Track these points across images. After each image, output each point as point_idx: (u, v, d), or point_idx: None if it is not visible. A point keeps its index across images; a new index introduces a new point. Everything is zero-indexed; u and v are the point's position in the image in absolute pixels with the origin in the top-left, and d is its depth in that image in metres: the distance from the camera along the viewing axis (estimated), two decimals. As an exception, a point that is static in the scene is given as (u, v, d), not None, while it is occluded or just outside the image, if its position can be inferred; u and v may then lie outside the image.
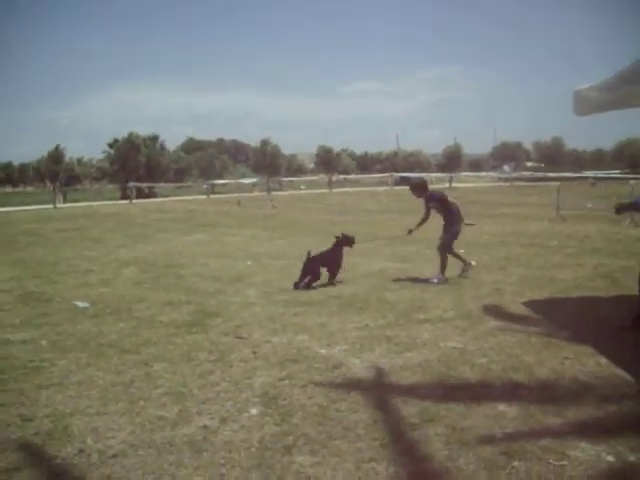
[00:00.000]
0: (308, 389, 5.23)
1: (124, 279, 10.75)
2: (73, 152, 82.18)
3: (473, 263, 10.29)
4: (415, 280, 10.06)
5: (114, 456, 4.09)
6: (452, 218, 10.37)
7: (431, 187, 10.78)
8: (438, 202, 10.34)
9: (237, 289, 9.54)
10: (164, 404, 4.97)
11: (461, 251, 12.85)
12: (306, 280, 9.65)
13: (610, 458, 3.90)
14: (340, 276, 10.08)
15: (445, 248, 10.25)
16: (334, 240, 10.37)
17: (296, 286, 9.60)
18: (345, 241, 10.41)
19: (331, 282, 9.94)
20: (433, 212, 10.36)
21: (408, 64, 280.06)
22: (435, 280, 9.89)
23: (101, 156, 62.80)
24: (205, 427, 4.51)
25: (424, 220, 10.41)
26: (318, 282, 9.73)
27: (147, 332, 7.14)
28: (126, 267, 12.02)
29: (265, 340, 6.73)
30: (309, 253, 9.89)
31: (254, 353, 6.27)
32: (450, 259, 10.23)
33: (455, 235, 10.41)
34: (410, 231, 10.59)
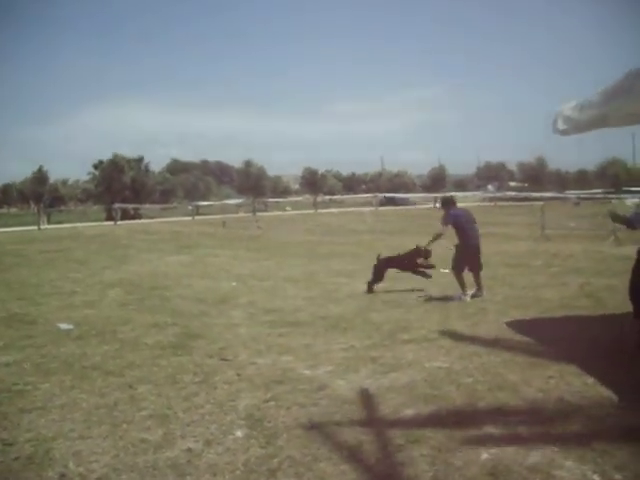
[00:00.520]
0: (293, 411, 5.21)
1: (109, 301, 10.68)
2: (57, 173, 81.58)
3: (467, 299, 10.22)
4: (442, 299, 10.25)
5: (97, 480, 4.04)
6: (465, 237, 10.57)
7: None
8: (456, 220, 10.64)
9: (222, 310, 9.50)
10: (148, 427, 4.93)
11: (446, 270, 12.93)
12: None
13: (596, 477, 3.90)
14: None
15: (455, 268, 10.52)
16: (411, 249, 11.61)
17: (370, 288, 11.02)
18: (420, 253, 11.46)
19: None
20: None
21: (392, 85, 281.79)
22: (458, 297, 10.16)
23: (86, 177, 62.66)
24: (189, 450, 4.47)
25: (440, 236, 10.84)
26: (307, 300, 9.78)
27: (131, 354, 7.09)
28: (111, 289, 11.95)
29: (250, 362, 6.70)
30: (379, 256, 11.46)
31: (238, 375, 6.24)
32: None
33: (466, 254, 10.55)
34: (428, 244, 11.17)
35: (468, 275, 10.44)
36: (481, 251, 10.74)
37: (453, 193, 67.43)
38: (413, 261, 11.43)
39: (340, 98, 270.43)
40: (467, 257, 10.48)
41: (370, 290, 10.91)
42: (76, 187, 66.41)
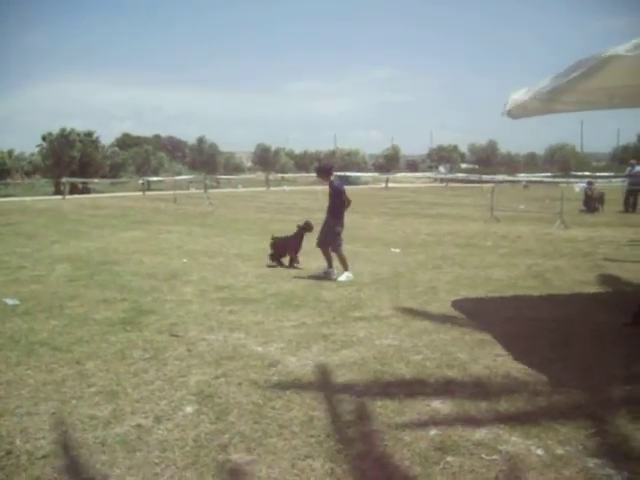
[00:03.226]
0: (244, 387, 5.21)
1: (57, 276, 10.49)
2: (3, 145, 79.33)
3: (334, 277, 10.13)
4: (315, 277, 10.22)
5: (44, 457, 3.99)
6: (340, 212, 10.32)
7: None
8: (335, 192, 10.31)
9: (173, 286, 9.43)
10: (97, 403, 4.88)
11: (396, 250, 13.03)
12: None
13: (540, 452, 4.01)
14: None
15: (334, 248, 10.24)
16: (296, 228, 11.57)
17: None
18: (306, 228, 11.51)
19: (292, 265, 11.33)
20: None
21: (350, 65, 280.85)
22: (343, 278, 10.00)
23: (33, 150, 61.22)
24: (139, 426, 4.44)
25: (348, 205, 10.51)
26: (258, 278, 9.76)
27: (80, 330, 6.99)
28: (59, 264, 11.73)
29: (201, 338, 6.67)
30: (273, 236, 11.57)
31: (189, 351, 6.21)
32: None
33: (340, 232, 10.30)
34: None
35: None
36: None
37: (405, 173, 67.97)
38: (300, 239, 11.51)
39: (296, 77, 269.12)
40: (337, 235, 10.23)
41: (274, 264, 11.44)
42: (22, 159, 64.82)
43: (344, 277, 10.00)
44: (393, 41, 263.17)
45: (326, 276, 10.15)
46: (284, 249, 11.53)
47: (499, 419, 4.51)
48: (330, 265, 10.33)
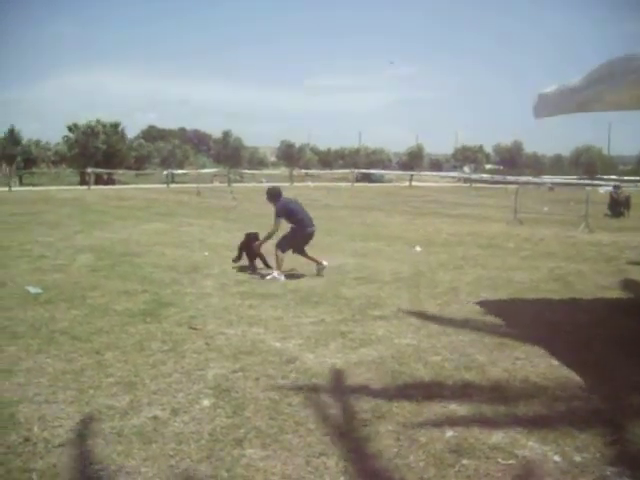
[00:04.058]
0: (261, 382, 5.21)
1: (79, 266, 10.58)
2: (31, 134, 79.97)
3: (282, 279, 9.84)
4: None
5: (61, 445, 4.02)
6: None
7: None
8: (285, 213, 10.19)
9: (193, 279, 9.46)
10: (115, 393, 4.91)
11: (418, 249, 12.99)
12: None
13: (557, 458, 3.96)
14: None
15: (281, 247, 10.05)
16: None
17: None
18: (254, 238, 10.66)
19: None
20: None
21: (376, 61, 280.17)
22: (269, 277, 9.84)
23: (59, 140, 61.65)
24: (155, 418, 4.46)
25: (272, 235, 10.26)
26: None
27: (100, 320, 7.04)
28: (82, 254, 11.82)
29: (219, 332, 6.69)
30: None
31: (208, 344, 6.23)
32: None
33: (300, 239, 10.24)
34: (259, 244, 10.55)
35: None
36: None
37: (429, 172, 67.59)
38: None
39: (322, 72, 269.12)
40: (299, 242, 10.19)
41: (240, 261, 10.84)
42: (48, 149, 65.32)
43: (270, 277, 9.80)
44: (420, 38, 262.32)
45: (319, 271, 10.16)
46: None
47: (516, 423, 4.47)
48: (316, 261, 10.33)
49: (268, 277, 9.82)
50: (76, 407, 4.63)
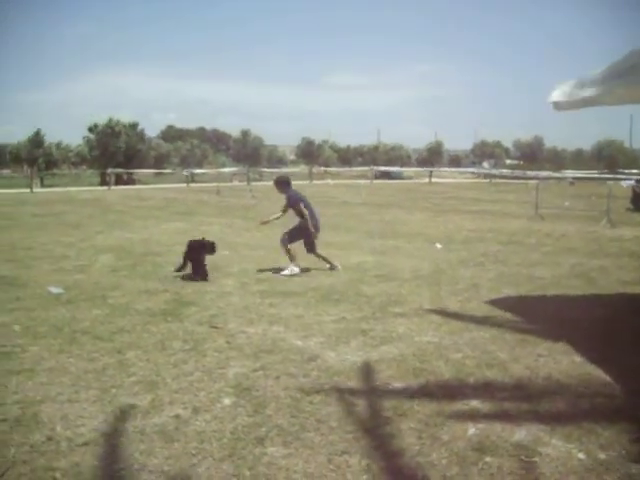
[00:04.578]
0: (282, 380, 5.21)
1: (100, 266, 10.65)
2: (52, 135, 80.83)
3: (297, 270, 9.98)
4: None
5: (84, 444, 4.04)
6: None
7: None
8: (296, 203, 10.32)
9: (213, 278, 9.48)
10: (136, 392, 4.93)
11: (438, 246, 12.95)
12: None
13: (581, 455, 3.92)
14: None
15: (286, 241, 10.20)
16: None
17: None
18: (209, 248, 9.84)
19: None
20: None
21: (394, 58, 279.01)
22: (287, 272, 9.91)
23: (80, 141, 62.22)
24: (177, 417, 4.47)
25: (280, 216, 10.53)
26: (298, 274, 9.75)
27: (121, 320, 7.08)
28: (103, 254, 11.90)
29: (240, 330, 6.70)
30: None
31: (228, 343, 6.24)
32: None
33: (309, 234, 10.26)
34: (264, 222, 10.68)
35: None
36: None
37: (449, 168, 67.32)
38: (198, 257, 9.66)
39: (340, 69, 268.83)
40: (308, 236, 10.25)
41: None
42: (69, 150, 65.91)
43: (287, 271, 9.91)
44: (438, 36, 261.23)
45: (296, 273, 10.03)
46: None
47: (539, 421, 4.42)
48: (330, 263, 10.37)
49: (285, 272, 9.86)
50: (98, 406, 4.66)
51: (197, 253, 9.64)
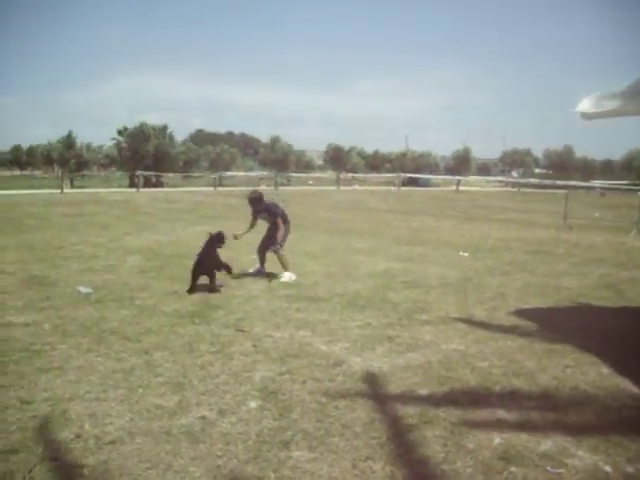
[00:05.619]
0: (308, 385, 5.23)
1: (128, 267, 10.75)
2: (82, 137, 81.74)
3: (294, 277, 10.02)
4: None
5: (111, 442, 4.09)
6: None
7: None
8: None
9: (241, 282, 9.53)
10: (163, 393, 4.97)
11: (465, 254, 12.89)
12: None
13: (607, 468, 3.89)
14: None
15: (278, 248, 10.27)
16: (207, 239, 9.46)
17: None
18: (217, 239, 9.43)
19: (212, 289, 8.81)
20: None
21: (422, 65, 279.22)
22: (285, 278, 9.94)
23: (109, 142, 62.84)
24: (203, 418, 4.51)
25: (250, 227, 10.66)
26: (325, 276, 9.76)
27: (149, 321, 7.14)
28: (131, 255, 12.02)
29: (267, 334, 6.72)
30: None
31: (255, 347, 6.27)
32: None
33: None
34: (235, 236, 10.37)
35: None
36: None
37: (477, 177, 66.90)
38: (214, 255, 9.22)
39: (369, 76, 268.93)
40: (271, 238, 10.37)
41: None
42: (99, 152, 66.64)
43: (286, 277, 9.95)
44: (472, 41, 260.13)
45: (258, 274, 10.25)
46: (201, 268, 8.96)
47: (566, 432, 4.39)
48: (262, 265, 10.50)
49: (282, 279, 9.90)
50: (126, 405, 4.71)
51: (209, 266, 8.97)
